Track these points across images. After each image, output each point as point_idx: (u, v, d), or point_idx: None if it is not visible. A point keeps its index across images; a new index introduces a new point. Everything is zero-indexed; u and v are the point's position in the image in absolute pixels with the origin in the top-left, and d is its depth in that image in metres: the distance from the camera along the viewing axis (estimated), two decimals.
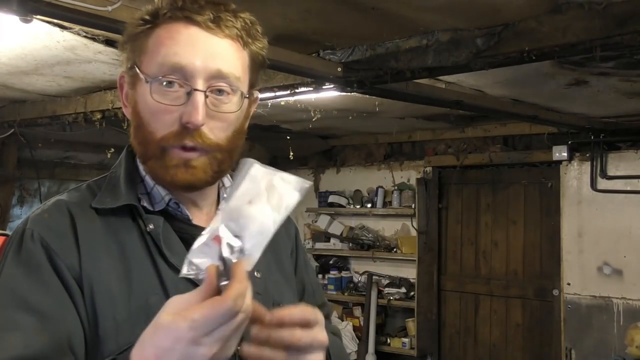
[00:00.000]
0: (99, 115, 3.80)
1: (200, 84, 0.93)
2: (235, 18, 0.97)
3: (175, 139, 0.94)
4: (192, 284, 0.95)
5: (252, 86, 1.02)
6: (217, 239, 0.76)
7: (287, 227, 1.22)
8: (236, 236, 0.77)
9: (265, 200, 0.80)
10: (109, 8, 1.91)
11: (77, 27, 2.34)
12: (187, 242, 0.98)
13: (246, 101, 1.00)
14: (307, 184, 0.83)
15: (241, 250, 0.76)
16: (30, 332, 0.84)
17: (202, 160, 0.96)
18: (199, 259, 0.76)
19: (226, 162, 1.00)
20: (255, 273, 1.04)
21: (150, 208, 1.00)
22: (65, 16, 1.99)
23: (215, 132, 0.96)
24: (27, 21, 1.96)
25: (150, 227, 0.97)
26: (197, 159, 0.96)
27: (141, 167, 1.03)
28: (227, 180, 1.10)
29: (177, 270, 0.94)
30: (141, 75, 0.96)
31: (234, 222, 0.77)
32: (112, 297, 0.91)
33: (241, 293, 0.69)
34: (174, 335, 0.69)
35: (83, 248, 0.92)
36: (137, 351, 0.73)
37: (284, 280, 1.14)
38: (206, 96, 0.94)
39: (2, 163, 4.96)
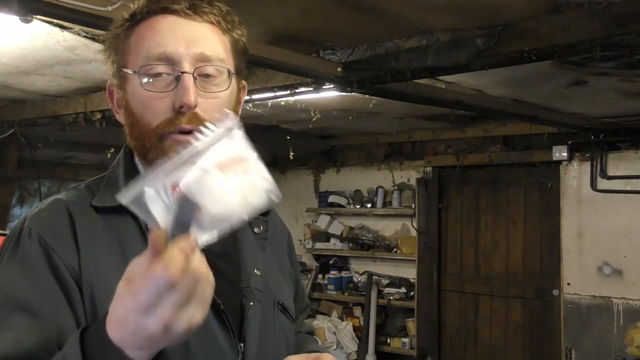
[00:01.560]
0: (99, 115, 3.80)
1: (187, 68, 0.94)
2: (211, 6, 0.99)
3: (171, 125, 0.94)
4: None
5: (238, 73, 1.02)
6: (176, 191, 0.71)
7: (282, 229, 1.23)
8: (194, 203, 0.70)
9: (239, 183, 0.74)
10: (109, 8, 1.91)
11: (77, 27, 2.34)
12: None
13: (234, 81, 1.00)
14: (278, 198, 0.78)
15: (198, 227, 0.71)
16: (21, 332, 0.84)
17: None
18: (152, 203, 0.71)
19: None
20: (256, 271, 1.05)
21: None
22: (65, 16, 1.99)
23: (209, 113, 0.95)
24: (27, 21, 1.96)
25: None
26: None
27: (140, 166, 1.03)
28: None
29: None
30: (129, 72, 0.97)
31: (199, 183, 0.70)
32: (112, 296, 0.90)
33: (173, 260, 0.67)
34: (125, 305, 0.70)
35: (82, 247, 0.92)
36: (109, 314, 0.74)
37: (283, 278, 1.15)
38: (195, 78, 0.94)
39: (2, 163, 4.96)
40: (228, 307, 0.97)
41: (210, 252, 1.01)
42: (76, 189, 1.02)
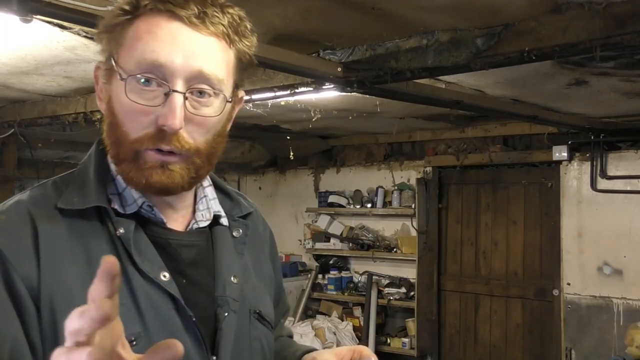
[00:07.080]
0: (99, 115, 3.80)
1: (179, 85, 0.87)
2: (223, 14, 0.90)
3: (150, 141, 0.87)
4: (165, 292, 0.90)
5: (237, 87, 0.96)
6: None
7: (264, 229, 1.17)
8: None
9: None
10: (109, 8, 1.91)
11: (77, 27, 2.34)
12: (161, 246, 0.93)
13: (228, 105, 0.94)
14: None
15: None
16: None
17: (180, 165, 0.90)
18: None
19: (204, 167, 0.94)
20: (232, 278, 0.99)
21: (121, 211, 0.92)
22: (65, 16, 1.98)
23: (194, 135, 0.90)
24: (27, 21, 1.96)
25: (121, 231, 0.90)
26: (175, 163, 0.89)
27: (113, 166, 0.95)
28: (205, 181, 1.04)
29: (148, 278, 0.89)
30: (117, 70, 0.89)
31: None
32: (74, 306, 0.83)
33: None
34: None
35: (43, 255, 0.85)
36: None
37: (262, 285, 1.09)
38: (185, 98, 0.87)
39: (2, 163, 4.96)
40: (201, 318, 0.92)
41: (182, 261, 0.95)
42: (42, 186, 0.95)
